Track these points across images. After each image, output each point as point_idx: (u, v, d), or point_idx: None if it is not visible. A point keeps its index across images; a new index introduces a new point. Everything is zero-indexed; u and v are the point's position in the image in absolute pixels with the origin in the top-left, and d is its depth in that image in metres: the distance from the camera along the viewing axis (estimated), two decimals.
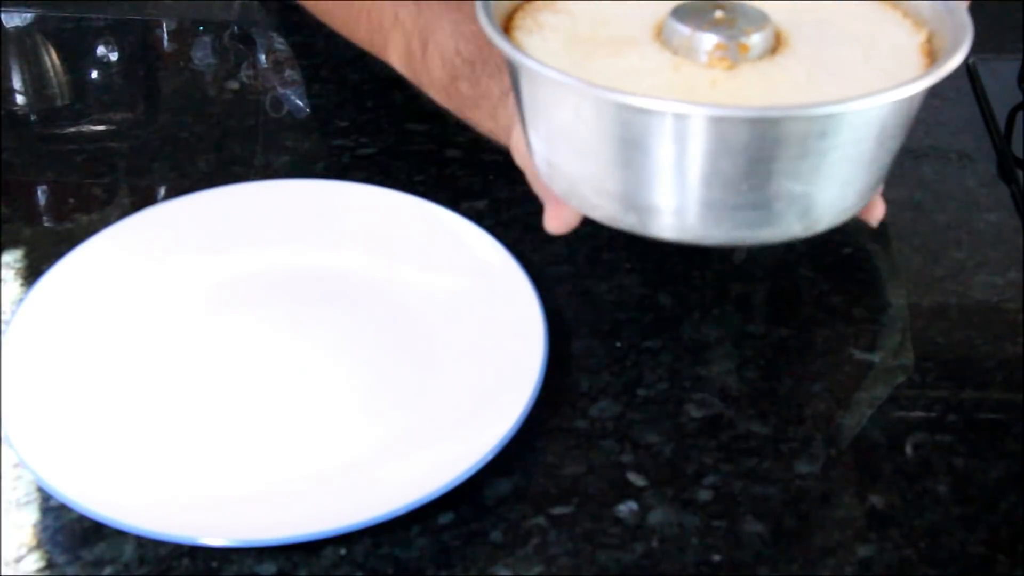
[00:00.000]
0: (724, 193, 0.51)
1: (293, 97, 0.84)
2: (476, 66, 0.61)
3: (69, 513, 0.54)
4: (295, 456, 0.57)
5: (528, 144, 0.57)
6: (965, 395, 0.60)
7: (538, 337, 0.60)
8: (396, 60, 0.67)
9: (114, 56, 0.90)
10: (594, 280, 0.67)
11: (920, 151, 0.76)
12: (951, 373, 0.62)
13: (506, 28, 0.57)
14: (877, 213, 0.59)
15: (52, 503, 0.55)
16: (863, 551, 0.53)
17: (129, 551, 0.53)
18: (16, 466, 0.57)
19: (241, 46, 0.91)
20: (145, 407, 0.59)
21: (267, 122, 0.82)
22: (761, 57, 0.54)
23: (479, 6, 0.54)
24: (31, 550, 0.53)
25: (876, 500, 0.55)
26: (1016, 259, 0.68)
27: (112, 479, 0.54)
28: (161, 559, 0.53)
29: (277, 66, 0.88)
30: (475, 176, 0.74)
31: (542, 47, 0.55)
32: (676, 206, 0.52)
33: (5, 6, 0.94)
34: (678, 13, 0.55)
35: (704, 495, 0.56)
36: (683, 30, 0.54)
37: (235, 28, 0.93)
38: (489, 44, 0.58)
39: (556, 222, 0.58)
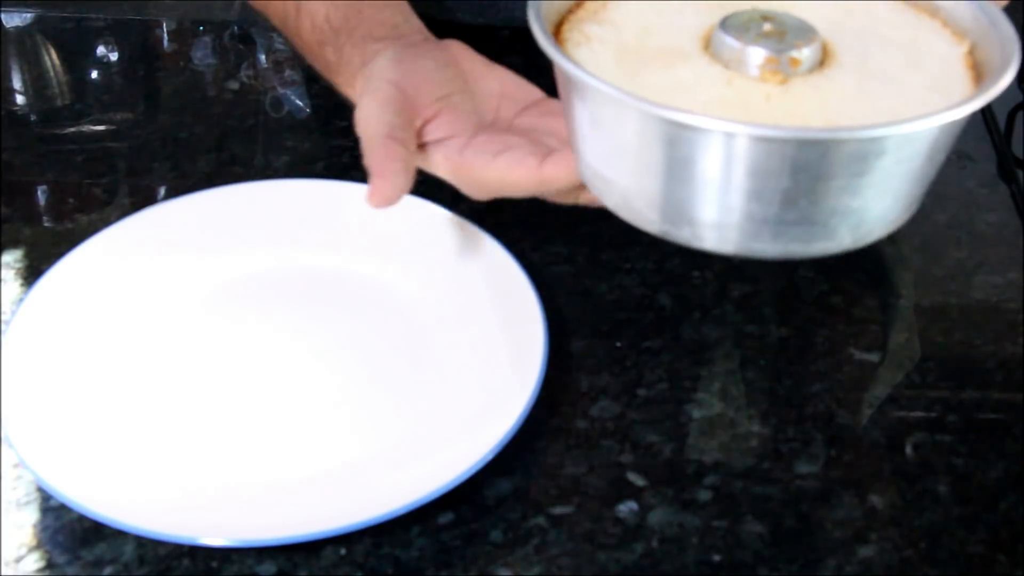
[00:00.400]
0: (784, 210, 0.51)
1: (293, 97, 0.84)
2: (341, 34, 0.63)
3: (69, 513, 0.54)
4: (295, 456, 0.57)
5: (577, 155, 0.57)
6: (965, 395, 0.60)
7: (538, 337, 0.60)
8: (275, 21, 0.69)
9: (114, 56, 0.90)
10: (594, 280, 0.67)
11: None
12: (951, 373, 0.62)
13: (555, 38, 0.57)
14: None
15: (52, 503, 0.55)
16: (863, 551, 0.53)
17: (129, 551, 0.53)
18: (16, 466, 0.57)
19: (241, 46, 0.91)
20: (145, 407, 0.59)
21: (267, 122, 0.82)
22: (811, 70, 0.54)
23: (533, 19, 0.55)
24: (31, 550, 0.53)
25: (876, 500, 0.55)
26: (1016, 259, 0.68)
27: (112, 479, 0.54)
28: (161, 559, 0.53)
29: (277, 66, 0.88)
30: None
31: (592, 60, 0.55)
32: (727, 221, 0.52)
33: (5, 6, 0.94)
34: (726, 25, 0.55)
35: (704, 495, 0.56)
36: (733, 43, 0.54)
37: (235, 28, 0.93)
38: (357, 14, 0.60)
39: (378, 197, 0.56)
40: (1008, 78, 0.51)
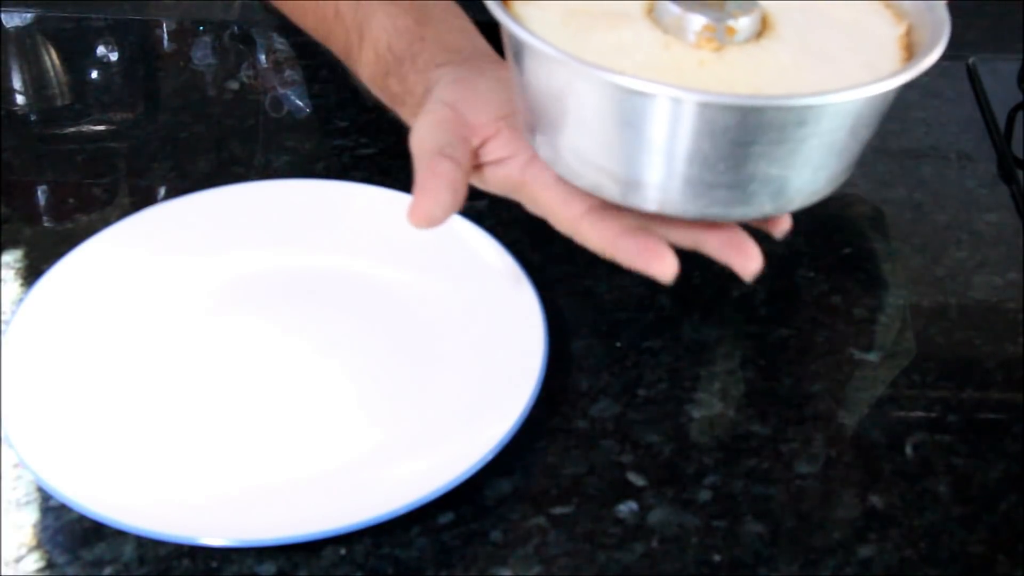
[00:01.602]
0: (703, 172, 0.52)
1: (293, 97, 0.85)
2: (404, 63, 0.62)
3: (69, 513, 0.54)
4: (295, 456, 0.57)
5: (519, 112, 0.58)
6: (965, 395, 0.60)
7: (538, 337, 0.60)
8: (338, 52, 0.69)
9: (114, 56, 0.90)
10: (594, 280, 0.67)
11: (920, 151, 0.76)
12: (951, 373, 0.62)
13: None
14: (783, 227, 0.58)
15: (52, 503, 0.55)
16: (863, 551, 0.53)
17: (129, 551, 0.53)
18: (16, 466, 0.57)
19: (241, 46, 0.91)
20: (145, 407, 0.59)
21: (267, 122, 0.82)
22: (748, 40, 0.55)
23: None
24: (31, 550, 0.53)
25: (876, 500, 0.55)
26: (1016, 259, 0.68)
27: (112, 479, 0.54)
28: (161, 559, 0.53)
29: (277, 66, 0.88)
30: None
31: (540, 18, 0.57)
32: (656, 181, 0.53)
33: (5, 6, 0.94)
34: None
35: (704, 495, 0.56)
36: (673, 10, 0.55)
37: (235, 28, 0.93)
38: (420, 40, 0.60)
39: (417, 214, 0.54)
40: (929, 61, 0.52)
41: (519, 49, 0.55)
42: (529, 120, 0.56)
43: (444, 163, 0.54)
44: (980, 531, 0.54)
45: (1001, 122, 0.79)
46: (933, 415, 0.59)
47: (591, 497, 0.56)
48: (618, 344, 0.63)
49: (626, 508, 0.55)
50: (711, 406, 0.60)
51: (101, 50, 0.90)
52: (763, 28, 0.56)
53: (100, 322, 0.63)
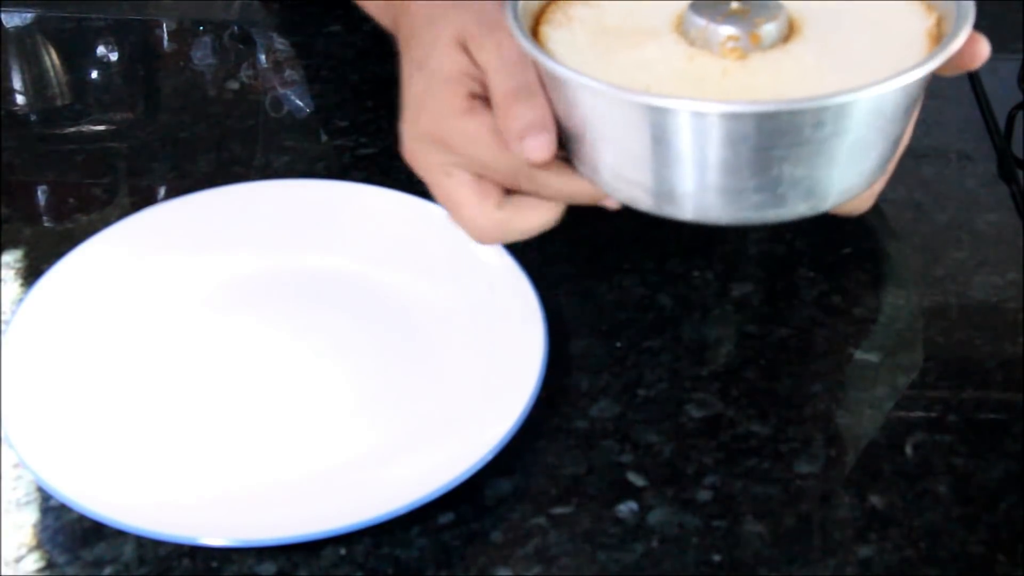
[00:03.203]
0: (730, 179, 0.52)
1: (293, 97, 0.85)
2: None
3: (69, 513, 0.54)
4: (295, 456, 0.57)
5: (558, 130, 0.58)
6: (965, 395, 0.60)
7: (538, 337, 0.60)
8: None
9: (114, 56, 0.90)
10: (594, 280, 0.67)
11: (920, 151, 0.76)
12: (951, 373, 0.62)
13: (537, 21, 0.58)
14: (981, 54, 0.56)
15: (52, 503, 0.55)
16: (863, 551, 0.53)
17: (129, 551, 0.53)
18: (16, 466, 0.57)
19: (241, 46, 0.91)
20: (145, 407, 0.59)
21: (267, 122, 0.82)
22: (774, 46, 0.55)
23: (508, 9, 0.56)
24: (31, 550, 0.53)
25: (876, 500, 0.55)
26: (1016, 259, 0.68)
27: (112, 479, 0.54)
28: (161, 559, 0.53)
29: (277, 66, 0.88)
30: None
31: (568, 40, 0.57)
32: (688, 191, 0.54)
33: (5, 6, 0.94)
34: (696, 5, 0.57)
35: (704, 495, 0.56)
36: (699, 22, 0.56)
37: (235, 28, 0.93)
38: None
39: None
40: (952, 49, 0.52)
41: (547, 76, 0.55)
42: (565, 139, 0.57)
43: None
44: (980, 531, 0.54)
45: (1001, 122, 0.79)
46: (933, 415, 0.59)
47: (591, 497, 0.56)
48: (618, 344, 0.63)
49: (626, 508, 0.55)
50: (711, 406, 0.60)
51: (101, 50, 0.90)
52: (790, 32, 0.56)
53: (100, 322, 0.63)
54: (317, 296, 0.65)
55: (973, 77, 0.82)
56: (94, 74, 0.88)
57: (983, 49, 0.56)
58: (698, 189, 0.53)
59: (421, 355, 0.62)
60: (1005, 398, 0.60)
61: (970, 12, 0.54)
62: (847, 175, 0.54)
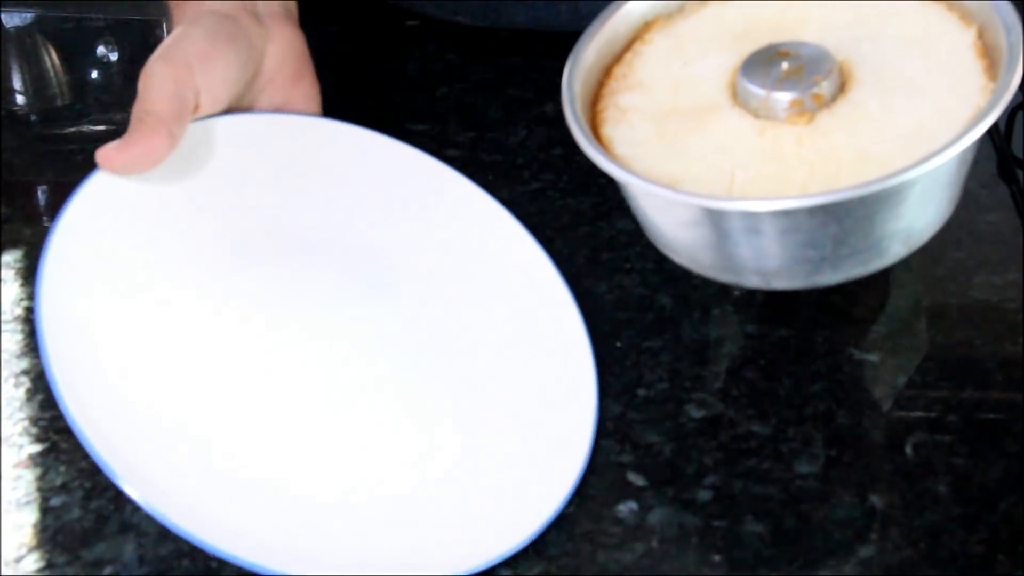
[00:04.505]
0: (829, 250, 0.54)
1: None
2: None
3: (69, 513, 0.54)
4: (323, 486, 0.53)
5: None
6: (965, 395, 0.60)
7: (590, 406, 0.58)
8: None
9: (114, 56, 0.90)
10: (594, 280, 0.67)
11: None
12: (951, 373, 0.62)
13: (593, 118, 0.59)
14: None
15: (52, 503, 0.55)
16: (863, 551, 0.53)
17: (129, 551, 0.53)
18: (16, 466, 0.57)
19: None
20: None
21: None
22: (835, 99, 0.55)
23: (567, 105, 0.57)
24: (31, 550, 0.53)
25: (876, 500, 0.55)
26: (1016, 259, 0.68)
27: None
28: (161, 559, 0.53)
29: None
30: (475, 176, 0.74)
31: (630, 137, 0.58)
32: (789, 268, 0.55)
33: (5, 6, 0.94)
34: (747, 72, 0.56)
35: (704, 495, 0.56)
36: (758, 92, 0.56)
37: None
38: None
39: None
40: (1015, 82, 0.52)
41: (618, 184, 0.56)
42: (651, 233, 0.59)
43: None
44: (980, 531, 0.54)
45: (1001, 122, 0.78)
46: (933, 415, 0.59)
47: (591, 497, 0.56)
48: (618, 344, 0.63)
49: (626, 508, 0.55)
50: (711, 406, 0.60)
51: (101, 50, 0.90)
52: (843, 78, 0.56)
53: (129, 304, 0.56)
54: (348, 294, 0.61)
55: None
56: (94, 74, 0.88)
57: None
58: (779, 267, 0.55)
59: (466, 397, 0.58)
60: (1005, 398, 0.60)
61: (1017, 29, 0.54)
62: (928, 214, 0.55)
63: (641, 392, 0.61)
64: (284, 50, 0.64)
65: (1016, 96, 0.80)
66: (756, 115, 0.56)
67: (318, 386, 0.57)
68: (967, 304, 0.66)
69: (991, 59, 0.55)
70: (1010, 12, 0.54)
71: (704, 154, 0.55)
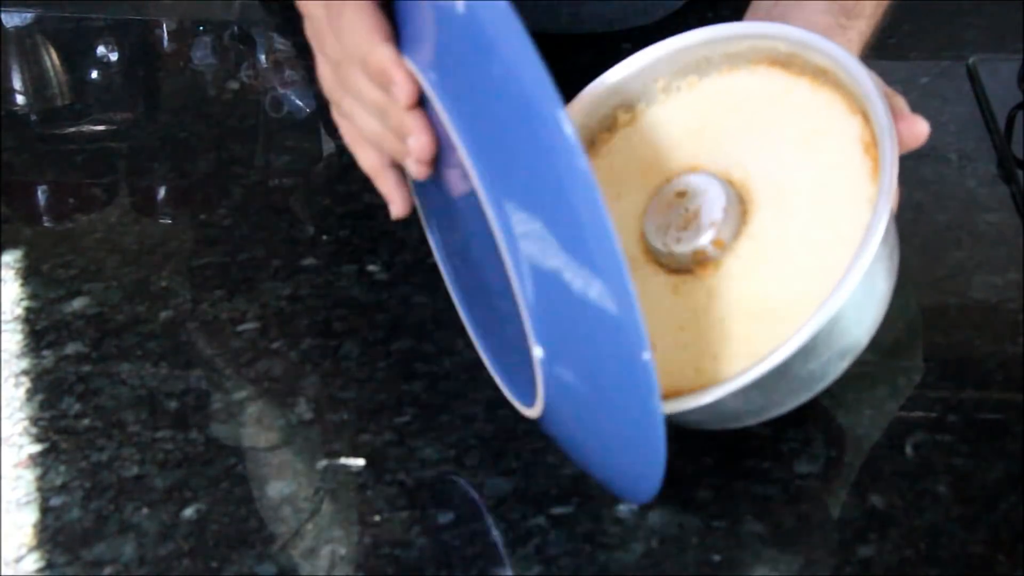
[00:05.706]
0: (777, 397, 0.54)
1: (293, 97, 0.85)
2: None
3: (69, 513, 0.54)
4: None
5: None
6: (965, 395, 0.60)
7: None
8: None
9: (114, 56, 0.90)
10: None
11: (920, 151, 0.76)
12: (951, 373, 0.62)
13: None
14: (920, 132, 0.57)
15: (52, 503, 0.55)
16: (863, 551, 0.53)
17: (129, 551, 0.53)
18: (16, 466, 0.57)
19: (241, 46, 0.91)
20: None
21: (267, 122, 0.82)
22: (736, 237, 0.55)
23: None
24: (31, 550, 0.53)
25: (876, 500, 0.55)
26: (1016, 259, 0.68)
27: None
28: (161, 559, 0.53)
29: (277, 66, 0.88)
30: None
31: None
32: (738, 419, 0.56)
33: (5, 6, 0.94)
34: (650, 225, 0.56)
35: (704, 495, 0.56)
36: (661, 249, 0.55)
37: (235, 28, 0.93)
38: None
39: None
40: (886, 210, 0.52)
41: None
42: None
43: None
44: (980, 531, 0.54)
45: (1001, 122, 0.78)
46: (933, 415, 0.59)
47: (591, 497, 0.56)
48: None
49: (626, 508, 0.55)
50: None
51: (101, 50, 0.90)
52: (742, 205, 0.56)
53: None
54: None
55: (973, 77, 0.82)
56: (94, 74, 0.88)
57: (922, 129, 0.56)
58: (701, 424, 0.55)
59: None
60: (1005, 398, 0.60)
61: (888, 134, 0.53)
62: (848, 345, 0.54)
63: None
64: None
65: (1016, 96, 0.80)
66: (668, 271, 0.56)
67: None
68: (967, 304, 0.66)
69: (874, 155, 0.55)
70: (884, 115, 0.53)
71: None
